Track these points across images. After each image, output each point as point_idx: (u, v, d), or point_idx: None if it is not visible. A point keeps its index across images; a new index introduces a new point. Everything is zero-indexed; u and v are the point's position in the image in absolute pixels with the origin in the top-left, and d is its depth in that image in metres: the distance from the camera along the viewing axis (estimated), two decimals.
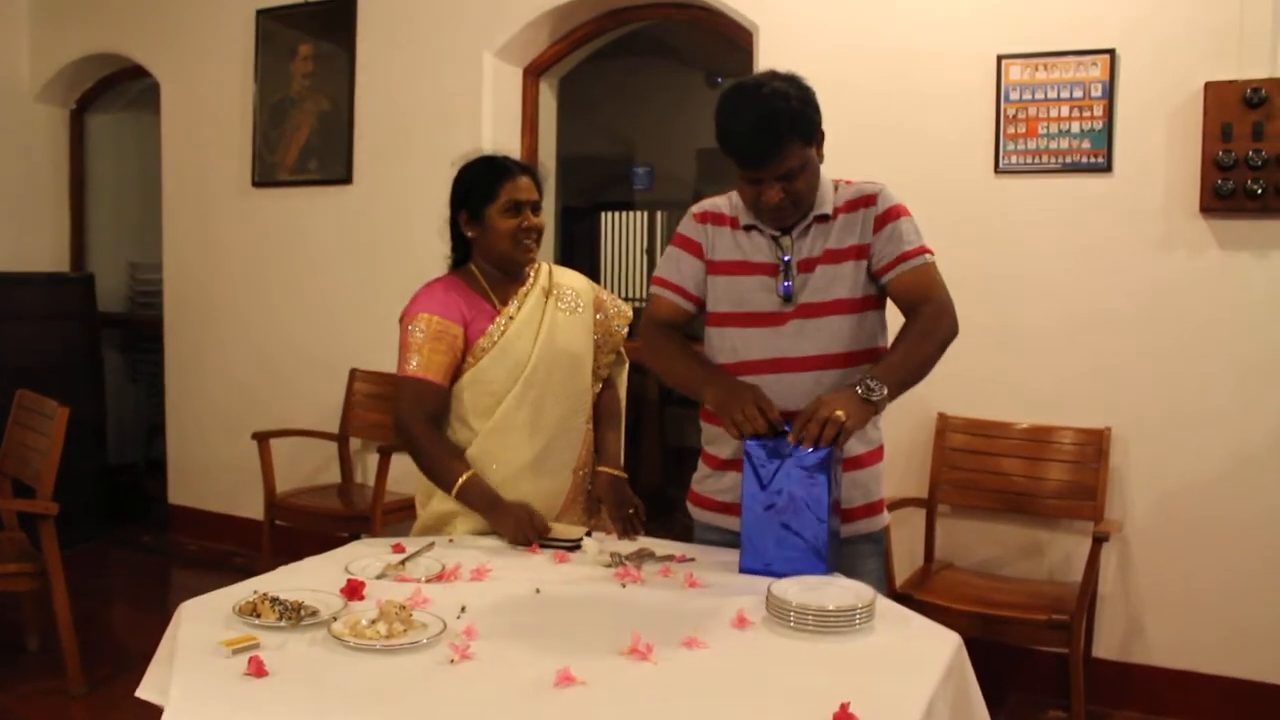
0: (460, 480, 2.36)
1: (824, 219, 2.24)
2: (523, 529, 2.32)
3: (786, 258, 2.23)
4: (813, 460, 1.99)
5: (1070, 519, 3.60)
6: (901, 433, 3.82)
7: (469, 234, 2.52)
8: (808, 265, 2.23)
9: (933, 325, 2.18)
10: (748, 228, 2.27)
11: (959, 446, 3.76)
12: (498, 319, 2.47)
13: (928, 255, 2.24)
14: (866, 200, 2.25)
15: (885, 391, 2.02)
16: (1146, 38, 3.47)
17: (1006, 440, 3.69)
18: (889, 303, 2.30)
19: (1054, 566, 3.66)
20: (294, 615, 1.74)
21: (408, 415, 2.41)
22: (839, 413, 1.95)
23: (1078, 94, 3.56)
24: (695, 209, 2.35)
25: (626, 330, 2.71)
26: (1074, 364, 3.61)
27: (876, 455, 2.33)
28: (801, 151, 2.12)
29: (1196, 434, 3.47)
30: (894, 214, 2.24)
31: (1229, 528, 3.43)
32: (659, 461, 5.64)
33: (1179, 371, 3.48)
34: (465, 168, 2.54)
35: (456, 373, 2.45)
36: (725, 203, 2.33)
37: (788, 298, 2.22)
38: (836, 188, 2.28)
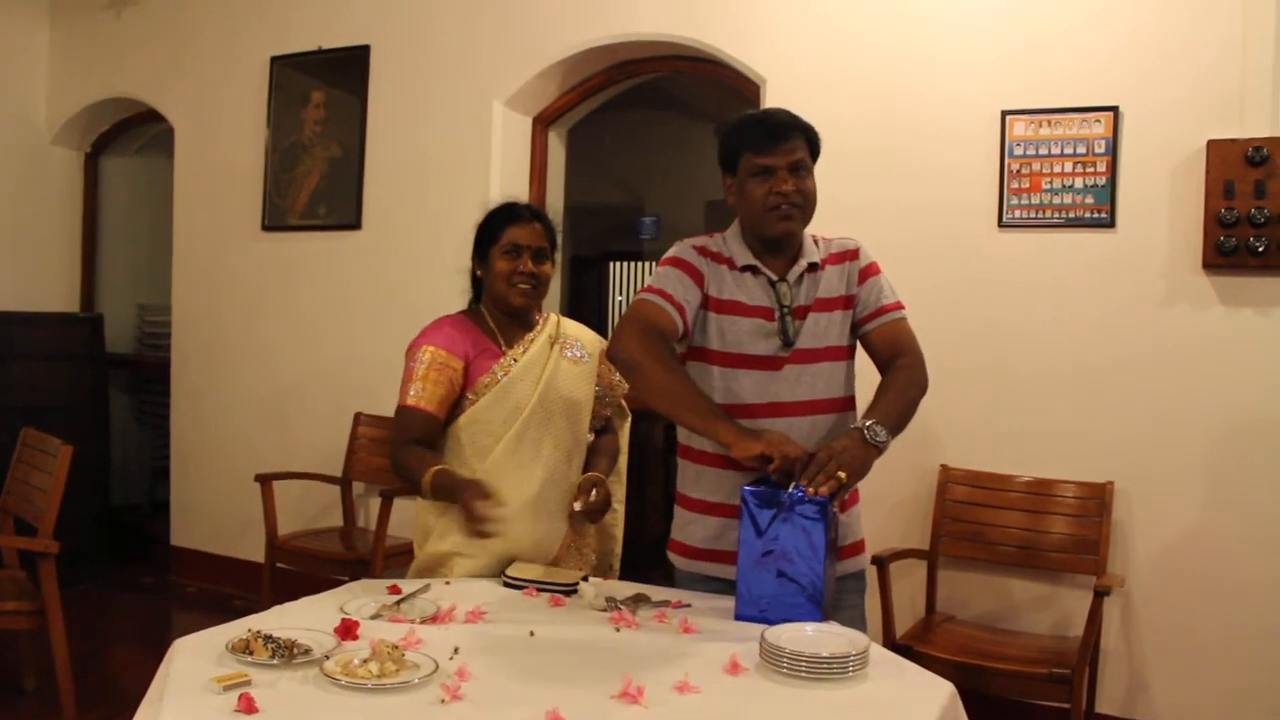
0: (429, 475, 2.31)
1: (814, 268, 2.31)
2: (477, 499, 2.20)
3: (786, 304, 2.26)
4: (811, 509, 1.99)
5: (1072, 573, 3.58)
6: (903, 484, 3.82)
7: (479, 273, 2.59)
8: (800, 312, 2.28)
9: (915, 377, 2.27)
10: (744, 269, 2.30)
11: (961, 499, 3.75)
12: (502, 360, 2.50)
13: (903, 310, 2.35)
14: (851, 254, 2.35)
15: (888, 438, 2.07)
16: (1150, 95, 3.51)
17: (1009, 493, 3.69)
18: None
19: (1056, 620, 3.64)
20: (286, 653, 1.74)
21: (398, 440, 2.44)
22: (841, 474, 1.99)
23: (1081, 150, 3.60)
24: (690, 242, 2.34)
25: (627, 384, 2.72)
26: (1077, 418, 3.62)
27: (855, 497, 2.38)
28: (807, 155, 2.26)
29: (1199, 489, 3.46)
30: (874, 269, 2.36)
31: (1233, 583, 3.41)
32: (664, 511, 5.64)
33: (1182, 427, 3.48)
34: (488, 212, 2.61)
35: (457, 410, 2.48)
36: (715, 242, 2.35)
37: (788, 344, 2.25)
38: (817, 242, 2.35)
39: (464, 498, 2.20)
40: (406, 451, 2.42)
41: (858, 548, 2.40)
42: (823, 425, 2.24)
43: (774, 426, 2.18)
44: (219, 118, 5.41)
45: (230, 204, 5.37)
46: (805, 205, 2.25)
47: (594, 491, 2.48)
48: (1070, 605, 3.60)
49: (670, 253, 2.34)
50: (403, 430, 2.44)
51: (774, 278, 2.28)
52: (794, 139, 2.23)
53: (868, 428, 2.05)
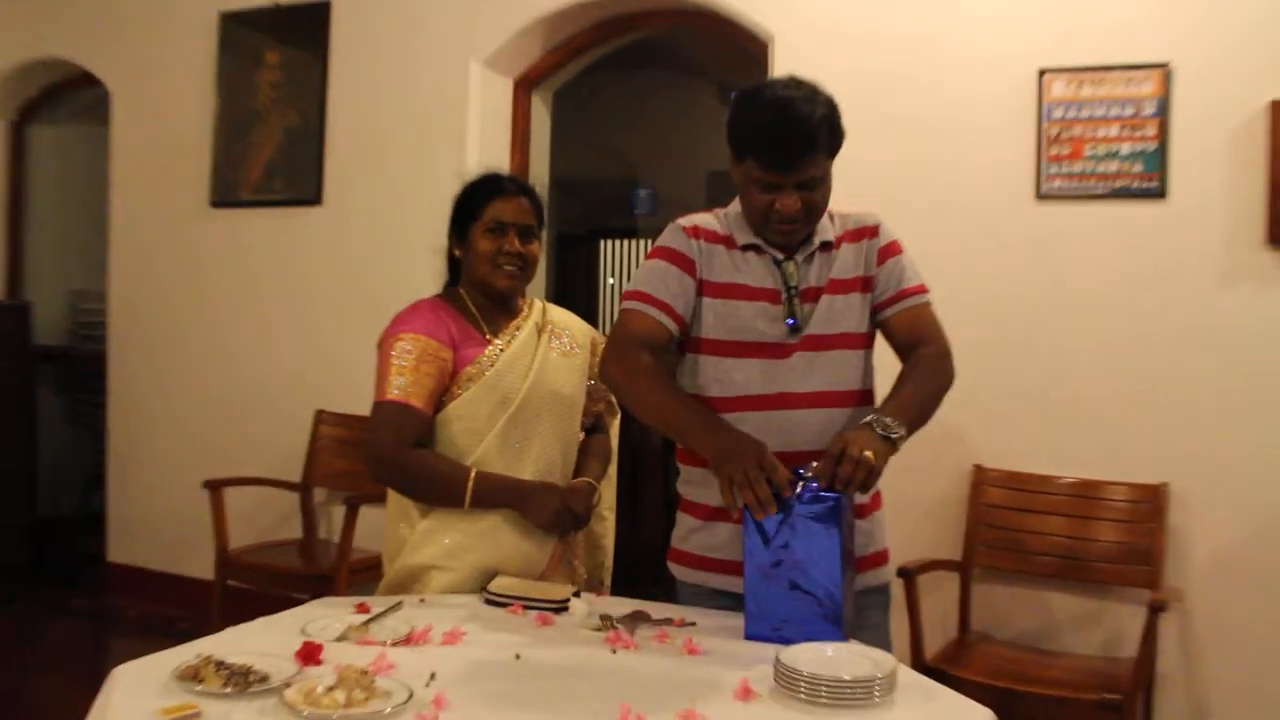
0: (470, 484, 2.38)
1: (827, 247, 2.30)
2: (561, 518, 2.41)
3: (793, 285, 2.26)
4: (821, 509, 1.98)
5: (1123, 586, 3.58)
6: (932, 488, 3.82)
7: (457, 253, 2.59)
8: (812, 295, 2.27)
9: (939, 368, 2.26)
10: (745, 248, 2.29)
11: (997, 503, 3.75)
12: (488, 349, 2.49)
13: (928, 295, 2.33)
14: (870, 231, 2.34)
15: (903, 431, 2.05)
16: (1204, 50, 3.51)
17: (1051, 496, 3.69)
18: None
19: (1105, 640, 3.64)
20: (241, 681, 1.72)
21: (389, 445, 2.41)
22: (868, 453, 1.97)
23: (1128, 112, 3.60)
24: (682, 222, 2.35)
25: None
26: (1127, 411, 3.62)
27: (877, 501, 2.38)
28: (824, 163, 2.19)
29: (1265, 489, 3.46)
30: (896, 248, 2.34)
31: None
32: (662, 518, 5.65)
33: (1244, 419, 3.49)
34: (466, 184, 2.60)
35: (438, 404, 2.47)
36: (714, 220, 2.35)
37: (795, 329, 2.25)
38: (833, 218, 2.34)
39: (541, 516, 2.40)
40: (413, 457, 2.41)
41: (881, 558, 2.39)
42: (838, 420, 2.23)
43: (782, 420, 2.20)
44: (161, 81, 5.39)
45: (175, 178, 5.35)
46: (812, 216, 2.24)
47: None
48: (1121, 622, 3.61)
49: (658, 241, 2.37)
50: (395, 430, 2.41)
51: (779, 256, 2.28)
52: (809, 157, 2.14)
53: (878, 421, 2.04)
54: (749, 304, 2.26)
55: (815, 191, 2.19)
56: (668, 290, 2.27)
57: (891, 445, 2.04)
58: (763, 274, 2.28)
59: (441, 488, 2.43)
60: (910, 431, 2.09)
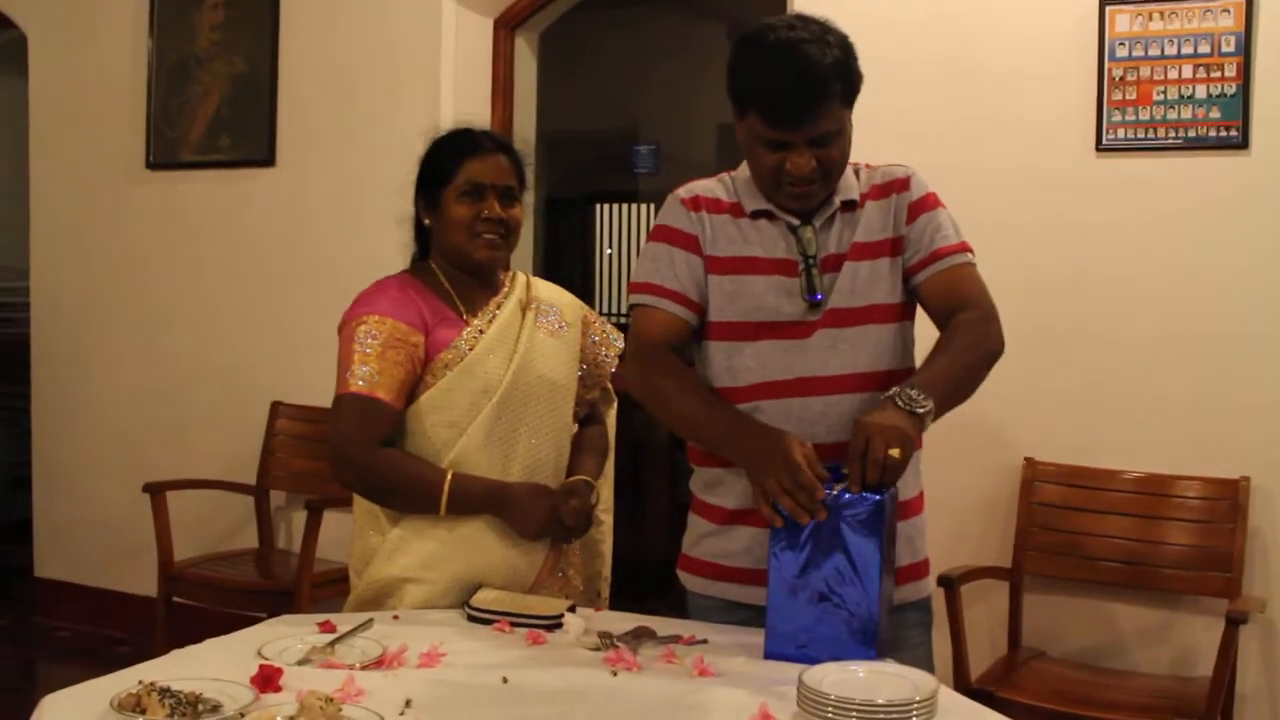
0: (446, 487, 2.39)
1: (850, 206, 2.29)
2: (551, 526, 2.44)
3: (811, 254, 2.25)
4: (863, 511, 1.99)
5: (1197, 595, 3.59)
6: (977, 485, 3.83)
7: (426, 222, 2.59)
8: (834, 263, 2.26)
9: (979, 335, 2.21)
10: (755, 214, 2.29)
11: (1052, 501, 3.76)
12: (465, 331, 2.50)
13: (969, 254, 2.29)
14: (899, 185, 2.31)
15: (931, 405, 2.04)
16: None
17: (1113, 494, 3.70)
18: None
19: (1176, 656, 3.66)
20: (189, 711, 1.74)
21: (355, 442, 2.42)
22: (893, 451, 1.96)
23: (1204, 49, 3.59)
24: (681, 193, 2.36)
25: (617, 362, 2.74)
26: (1200, 397, 3.62)
27: (919, 503, 2.36)
28: (840, 113, 2.17)
29: None
30: (930, 202, 2.31)
31: None
32: (669, 521, 5.66)
33: None
34: (433, 142, 2.60)
35: (411, 395, 2.48)
36: (719, 186, 2.36)
37: (815, 304, 2.24)
38: (858, 172, 2.34)
39: (556, 511, 2.44)
40: (379, 457, 2.42)
41: (920, 569, 2.38)
42: (869, 406, 2.17)
43: (804, 408, 2.20)
44: (86, 23, 5.38)
45: (104, 136, 5.35)
46: (830, 176, 2.23)
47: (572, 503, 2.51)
48: (1195, 637, 3.62)
49: (657, 217, 2.39)
50: (360, 426, 2.42)
51: (794, 222, 2.27)
52: (822, 109, 2.12)
53: (901, 394, 2.02)
54: (761, 279, 2.26)
55: (831, 148, 2.18)
56: (675, 277, 2.29)
57: (918, 420, 2.02)
58: (776, 243, 2.28)
59: (413, 492, 2.44)
60: (943, 408, 2.08)
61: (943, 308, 2.26)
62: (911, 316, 2.35)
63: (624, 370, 2.35)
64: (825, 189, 2.25)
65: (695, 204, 2.33)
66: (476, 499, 2.43)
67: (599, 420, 2.79)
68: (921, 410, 2.02)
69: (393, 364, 2.43)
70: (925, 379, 2.10)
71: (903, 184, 2.31)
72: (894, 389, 2.05)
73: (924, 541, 2.39)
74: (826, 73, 2.11)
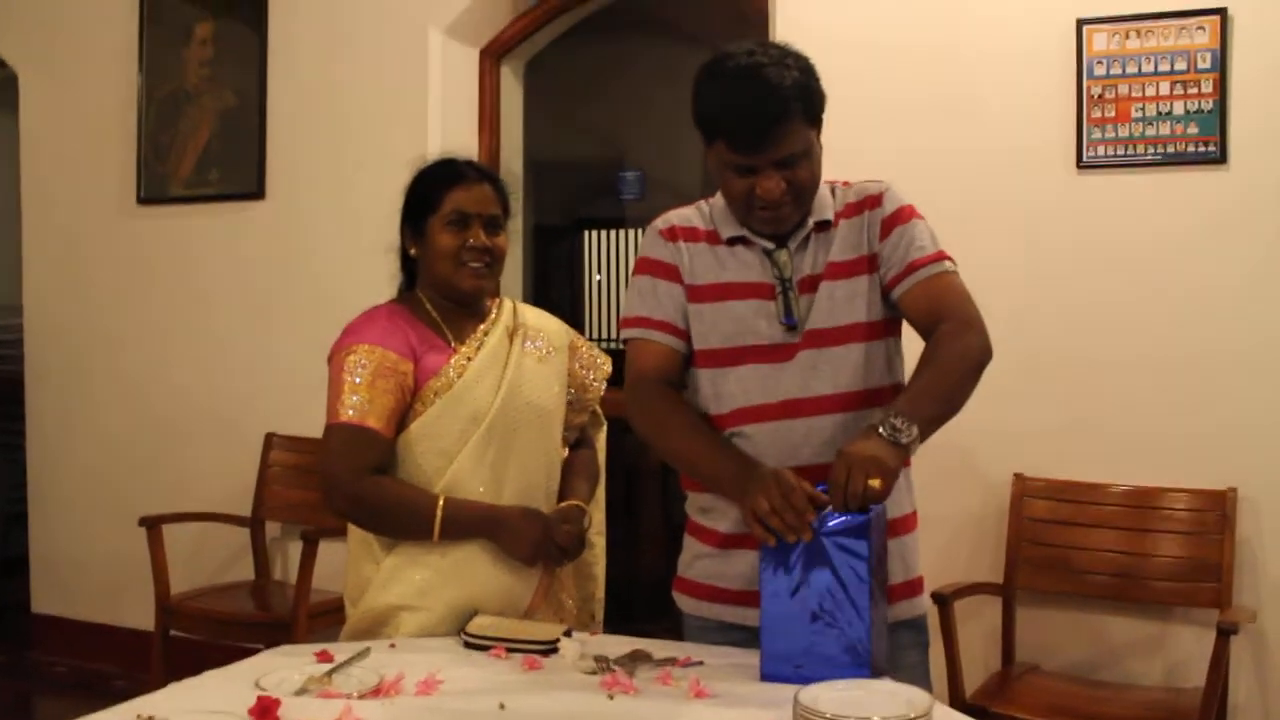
0: (438, 513, 2.39)
1: (824, 226, 2.30)
2: (543, 549, 2.43)
3: (786, 277, 2.26)
4: (850, 528, 1.99)
5: (1188, 606, 3.60)
6: (967, 500, 3.83)
7: (412, 252, 2.60)
8: (810, 284, 2.27)
9: (961, 346, 2.18)
10: (732, 241, 2.30)
11: (1041, 516, 3.76)
12: (453, 358, 2.51)
13: (947, 263, 2.27)
14: (871, 201, 2.31)
15: (915, 431, 2.02)
16: None
17: (1102, 507, 3.70)
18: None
19: (1169, 668, 3.65)
20: None
21: (346, 470, 2.43)
22: (873, 482, 1.96)
23: (1181, 66, 3.61)
24: (659, 224, 2.38)
25: (604, 386, 2.75)
26: (1185, 407, 3.63)
27: (912, 520, 2.36)
28: (805, 133, 2.18)
29: None
30: (903, 215, 2.29)
31: None
32: (664, 545, 5.65)
33: None
34: (418, 172, 2.62)
35: (401, 424, 2.48)
36: (696, 214, 2.37)
37: (793, 326, 2.25)
38: (834, 191, 2.34)
39: (550, 534, 2.44)
40: (371, 485, 2.43)
41: (914, 587, 2.37)
42: (855, 426, 2.20)
43: (789, 431, 2.21)
44: (76, 60, 5.39)
45: (95, 172, 5.36)
46: (801, 198, 2.23)
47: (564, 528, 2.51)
48: (1187, 648, 3.62)
49: (639, 252, 2.41)
50: (351, 454, 2.43)
51: (769, 246, 2.28)
52: (784, 129, 2.13)
53: (885, 423, 2.01)
54: (740, 304, 2.27)
55: (798, 169, 2.18)
56: (661, 307, 2.31)
57: (902, 450, 2.01)
58: (753, 268, 2.29)
59: (405, 519, 2.44)
60: (932, 427, 2.07)
61: (924, 320, 2.24)
62: (897, 333, 2.35)
63: (626, 405, 2.34)
64: (798, 211, 2.25)
65: (672, 234, 2.35)
66: (470, 523, 2.43)
67: (589, 444, 2.80)
68: (905, 440, 2.01)
69: (383, 392, 2.43)
70: (909, 401, 2.08)
71: (875, 200, 2.31)
72: (879, 416, 2.03)
73: (917, 559, 2.38)
74: (786, 94, 2.12)
